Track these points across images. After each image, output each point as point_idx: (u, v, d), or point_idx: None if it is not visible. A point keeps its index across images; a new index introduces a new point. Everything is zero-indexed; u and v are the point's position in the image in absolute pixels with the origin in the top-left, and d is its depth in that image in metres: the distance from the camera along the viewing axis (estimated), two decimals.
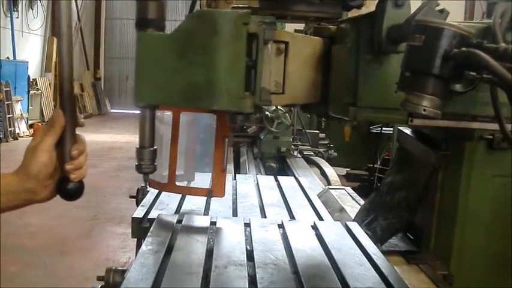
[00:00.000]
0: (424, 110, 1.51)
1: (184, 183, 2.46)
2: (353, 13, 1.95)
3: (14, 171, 1.50)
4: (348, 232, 2.16)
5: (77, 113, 1.55)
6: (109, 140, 16.81)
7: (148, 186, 2.44)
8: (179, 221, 2.19)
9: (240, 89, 1.61)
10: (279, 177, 3.33)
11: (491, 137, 1.96)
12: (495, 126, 1.73)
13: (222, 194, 2.24)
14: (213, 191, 2.22)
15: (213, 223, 2.19)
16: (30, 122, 17.66)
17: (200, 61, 1.59)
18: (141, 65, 1.67)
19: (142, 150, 1.75)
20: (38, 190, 1.49)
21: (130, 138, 16.80)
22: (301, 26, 2.44)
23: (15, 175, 1.49)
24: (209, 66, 1.58)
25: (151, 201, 2.55)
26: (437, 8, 1.64)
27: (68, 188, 1.52)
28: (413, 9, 1.74)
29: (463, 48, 1.45)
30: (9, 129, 15.85)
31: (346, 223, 2.26)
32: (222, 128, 2.08)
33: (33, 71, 19.28)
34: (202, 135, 2.85)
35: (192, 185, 2.51)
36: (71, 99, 1.53)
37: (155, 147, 1.76)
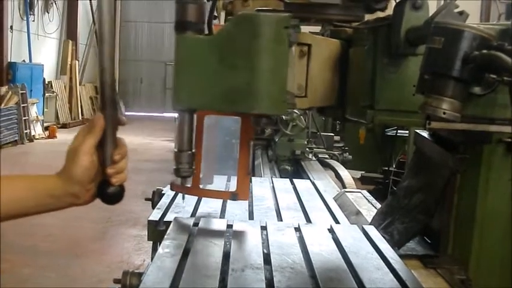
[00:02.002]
0: (444, 113, 1.50)
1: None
2: (370, 16, 1.94)
3: (57, 174, 1.47)
4: (365, 236, 2.14)
5: (119, 117, 1.52)
6: None
7: (170, 189, 2.43)
8: (195, 224, 2.19)
9: (282, 92, 1.60)
10: (295, 180, 3.32)
11: (509, 140, 1.94)
12: None
13: (247, 197, 2.22)
14: (238, 194, 2.18)
15: (229, 226, 2.18)
16: (45, 125, 17.75)
17: (241, 65, 1.59)
18: (180, 69, 1.66)
19: (181, 154, 1.76)
20: (81, 194, 1.47)
21: (145, 141, 16.85)
22: (315, 28, 2.43)
23: (59, 179, 1.46)
24: (250, 69, 1.58)
25: (167, 204, 2.56)
26: (456, 10, 1.63)
27: (108, 192, 1.49)
28: (431, 11, 1.73)
29: (484, 51, 1.43)
30: (25, 131, 15.94)
31: (363, 227, 2.24)
32: (246, 131, 2.05)
33: (48, 74, 19.41)
34: (227, 137, 2.85)
35: (209, 187, 2.49)
36: (112, 103, 1.49)
37: (193, 151, 1.77)
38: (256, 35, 1.58)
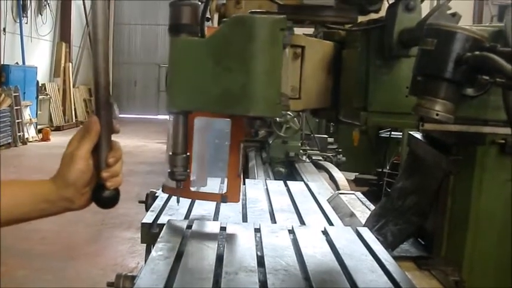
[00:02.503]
0: (437, 115, 1.50)
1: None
2: (364, 17, 1.94)
3: (51, 179, 1.45)
4: (359, 237, 2.14)
5: (113, 119, 1.49)
6: None
7: (162, 191, 2.41)
8: (189, 227, 2.18)
9: (276, 94, 1.61)
10: (289, 182, 3.32)
11: (503, 141, 1.94)
12: (507, 130, 1.71)
13: (237, 199, 2.17)
14: (228, 197, 2.15)
15: (223, 228, 2.18)
16: (39, 127, 17.70)
17: (236, 67, 1.58)
18: (175, 71, 1.66)
19: (176, 157, 1.75)
20: (75, 198, 1.45)
21: (139, 143, 16.82)
22: (307, 30, 2.42)
23: (53, 183, 1.44)
24: (245, 72, 1.58)
25: (160, 206, 2.55)
26: (449, 12, 1.63)
27: (103, 196, 1.47)
28: (424, 13, 1.73)
29: (476, 52, 1.43)
30: (18, 134, 15.89)
31: (356, 228, 2.24)
32: (237, 132, 2.02)
33: (42, 76, 19.35)
34: (217, 140, 2.82)
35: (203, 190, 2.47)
36: (107, 105, 1.46)
37: (188, 154, 1.76)
38: (252, 37, 1.57)
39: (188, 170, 1.82)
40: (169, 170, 1.79)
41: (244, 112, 1.63)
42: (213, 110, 1.70)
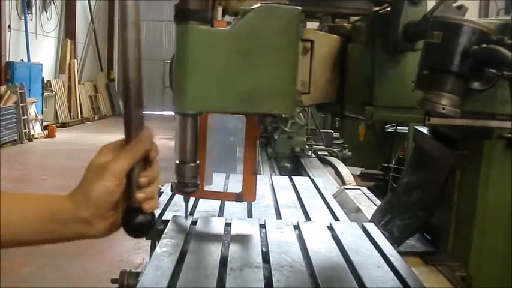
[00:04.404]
0: (443, 109, 1.48)
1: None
2: None
3: (68, 194, 1.18)
4: (365, 233, 2.13)
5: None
6: None
7: (171, 190, 2.37)
8: (194, 223, 2.17)
9: (295, 90, 1.52)
10: (294, 178, 3.31)
11: (510, 135, 1.93)
12: None
13: (253, 198, 2.10)
14: (244, 195, 2.07)
15: (227, 224, 2.17)
16: (44, 124, 17.73)
17: (266, 61, 1.43)
18: (187, 65, 1.41)
19: (184, 166, 1.49)
20: (94, 221, 1.16)
21: None
22: (312, 25, 2.40)
23: (69, 199, 1.17)
24: (276, 67, 1.44)
25: (165, 202, 2.54)
26: (455, 5, 1.61)
27: (136, 222, 1.19)
28: (429, 6, 1.71)
29: (483, 45, 1.42)
30: (24, 130, 15.92)
31: (362, 224, 2.23)
32: (252, 129, 1.93)
33: (47, 73, 19.38)
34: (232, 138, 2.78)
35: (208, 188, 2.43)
36: (139, 108, 1.21)
37: (198, 162, 1.51)
38: (282, 29, 1.45)
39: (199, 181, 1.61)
40: (176, 181, 1.55)
41: (271, 110, 1.49)
42: (235, 109, 1.51)
